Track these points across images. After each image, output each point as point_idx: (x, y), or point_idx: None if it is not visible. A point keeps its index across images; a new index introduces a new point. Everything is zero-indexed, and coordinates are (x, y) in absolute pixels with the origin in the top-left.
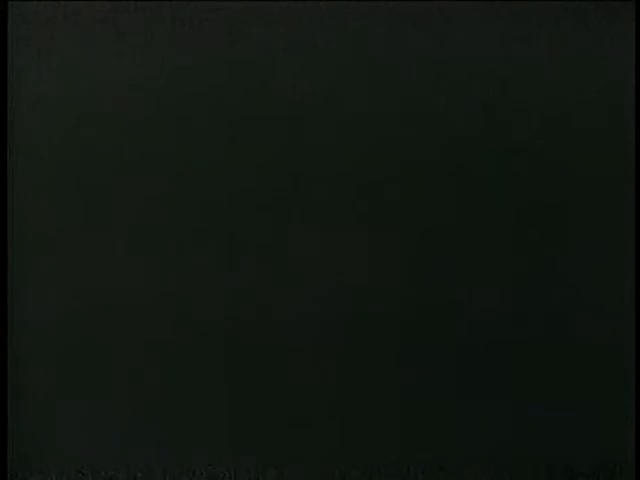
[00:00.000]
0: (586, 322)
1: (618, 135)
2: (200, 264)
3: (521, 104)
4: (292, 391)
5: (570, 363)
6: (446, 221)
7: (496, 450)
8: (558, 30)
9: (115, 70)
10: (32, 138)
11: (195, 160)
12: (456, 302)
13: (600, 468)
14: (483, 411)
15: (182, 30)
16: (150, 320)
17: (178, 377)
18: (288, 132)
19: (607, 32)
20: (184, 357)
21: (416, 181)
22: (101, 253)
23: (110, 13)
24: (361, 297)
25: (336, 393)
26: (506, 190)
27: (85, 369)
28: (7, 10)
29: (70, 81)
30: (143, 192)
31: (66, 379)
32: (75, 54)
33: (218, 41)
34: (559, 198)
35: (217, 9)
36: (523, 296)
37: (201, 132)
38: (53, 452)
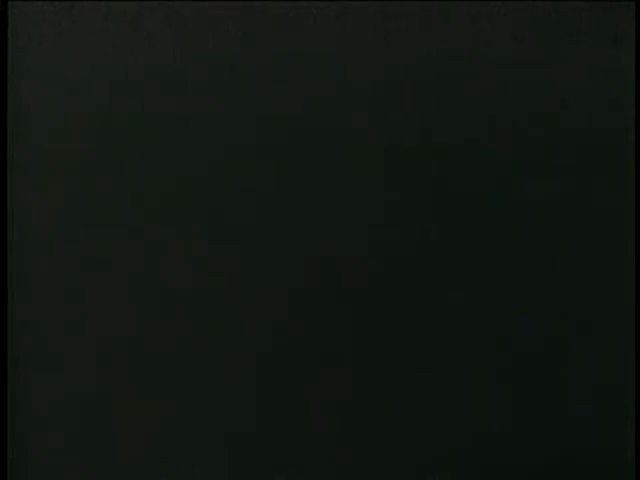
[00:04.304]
0: (585, 321)
1: (618, 135)
2: (203, 264)
3: (519, 104)
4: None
5: (570, 362)
6: (444, 221)
7: (495, 450)
8: (557, 30)
9: (116, 70)
10: (33, 138)
11: (195, 161)
12: (455, 303)
13: (600, 468)
14: (482, 411)
15: (184, 30)
16: (152, 321)
17: (180, 378)
18: (288, 131)
19: (607, 32)
20: (186, 358)
21: (415, 181)
22: (102, 252)
23: (111, 13)
24: (360, 296)
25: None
26: (506, 190)
27: (86, 369)
28: (7, 10)
29: (71, 81)
30: (144, 192)
31: (66, 379)
32: (76, 54)
33: (219, 41)
34: (559, 198)
35: (218, 9)
36: (522, 295)
37: (201, 133)
38: (53, 452)
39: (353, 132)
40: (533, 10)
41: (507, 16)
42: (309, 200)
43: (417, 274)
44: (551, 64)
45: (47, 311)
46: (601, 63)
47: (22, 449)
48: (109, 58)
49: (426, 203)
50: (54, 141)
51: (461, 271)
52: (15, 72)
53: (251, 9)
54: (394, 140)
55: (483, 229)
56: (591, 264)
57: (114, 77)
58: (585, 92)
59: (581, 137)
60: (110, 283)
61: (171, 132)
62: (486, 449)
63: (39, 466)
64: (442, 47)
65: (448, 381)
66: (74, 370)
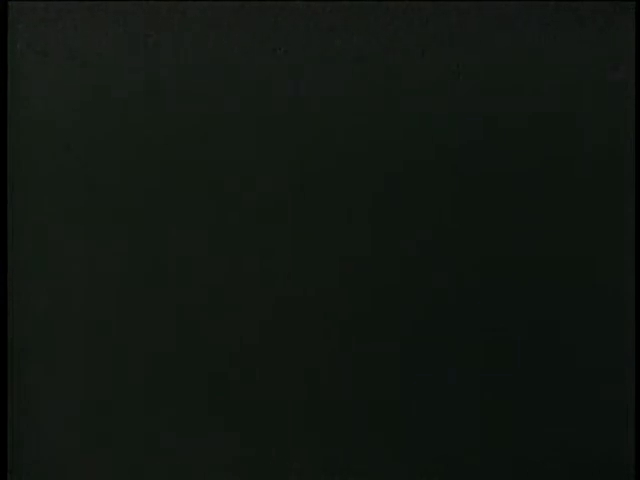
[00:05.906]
0: (585, 321)
1: (618, 135)
2: (204, 265)
3: (520, 104)
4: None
5: (570, 362)
6: (445, 221)
7: (495, 449)
8: (557, 30)
9: (116, 70)
10: (32, 139)
11: (195, 162)
12: (455, 302)
13: (600, 468)
14: (481, 410)
15: (184, 30)
16: (152, 320)
17: (180, 377)
18: (288, 131)
19: (607, 32)
20: (186, 357)
21: (415, 181)
22: (103, 251)
23: (111, 13)
24: (359, 295)
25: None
26: (506, 190)
27: (86, 369)
28: (7, 10)
29: (71, 81)
30: (143, 192)
31: (67, 379)
32: (76, 54)
33: (219, 40)
34: (559, 197)
35: (218, 9)
36: (521, 295)
37: (202, 132)
38: (54, 454)
39: (359, 133)
40: (532, 10)
41: (507, 16)
42: (310, 199)
43: (416, 273)
44: (551, 64)
45: (48, 309)
46: (601, 63)
47: (21, 448)
48: (109, 58)
49: (425, 203)
50: (54, 141)
51: (460, 270)
52: (15, 72)
53: (254, 9)
54: (394, 139)
55: (482, 228)
56: (591, 262)
57: (114, 77)
58: (585, 92)
59: (581, 137)
60: (111, 282)
61: (170, 132)
62: (484, 448)
63: (39, 466)
64: (440, 46)
65: (447, 381)
66: (75, 370)
